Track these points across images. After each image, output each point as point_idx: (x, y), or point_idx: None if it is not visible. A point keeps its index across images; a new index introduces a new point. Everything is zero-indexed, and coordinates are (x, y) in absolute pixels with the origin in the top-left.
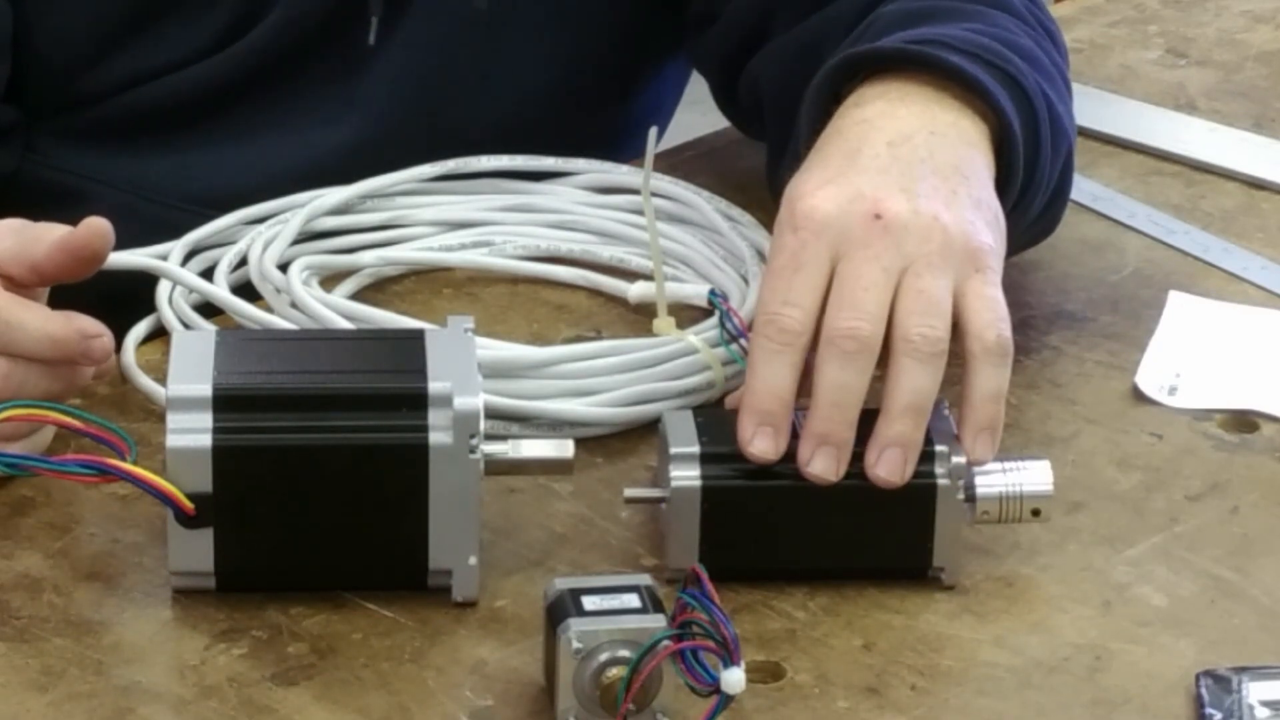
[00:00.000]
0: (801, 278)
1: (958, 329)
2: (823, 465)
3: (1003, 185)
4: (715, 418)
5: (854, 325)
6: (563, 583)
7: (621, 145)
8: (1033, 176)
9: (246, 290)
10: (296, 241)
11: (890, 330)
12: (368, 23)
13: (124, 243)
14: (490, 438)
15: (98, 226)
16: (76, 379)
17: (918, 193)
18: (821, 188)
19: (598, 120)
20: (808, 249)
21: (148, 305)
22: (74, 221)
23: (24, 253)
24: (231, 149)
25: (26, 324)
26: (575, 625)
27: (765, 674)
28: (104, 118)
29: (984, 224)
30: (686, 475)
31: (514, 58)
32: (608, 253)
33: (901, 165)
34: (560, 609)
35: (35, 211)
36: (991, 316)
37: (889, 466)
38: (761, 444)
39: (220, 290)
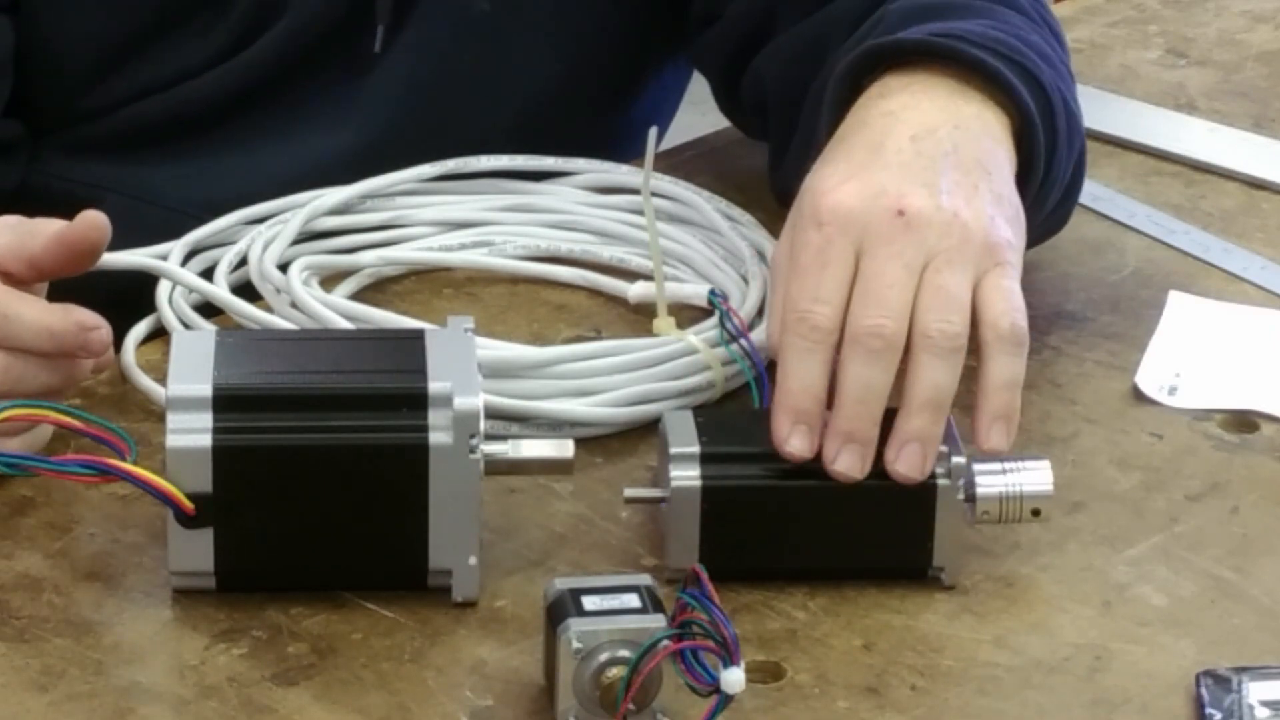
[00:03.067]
0: (829, 274)
1: (974, 320)
2: (848, 463)
3: (1023, 179)
4: (715, 418)
5: (879, 323)
6: (563, 583)
7: (624, 146)
8: (1050, 171)
9: (246, 290)
10: (296, 241)
11: (910, 326)
12: (373, 31)
13: (129, 248)
14: (490, 438)
15: (94, 219)
16: (76, 372)
17: (940, 188)
18: (845, 183)
19: (601, 121)
20: (834, 245)
21: (148, 305)
22: None
23: (21, 248)
24: (237, 156)
25: (24, 316)
26: (575, 625)
27: (765, 674)
28: (110, 130)
29: (1004, 220)
30: (686, 475)
31: (517, 60)
32: (608, 253)
33: (925, 160)
34: (560, 609)
35: (37, 216)
36: (1006, 306)
37: (909, 462)
38: (798, 442)
39: (220, 290)
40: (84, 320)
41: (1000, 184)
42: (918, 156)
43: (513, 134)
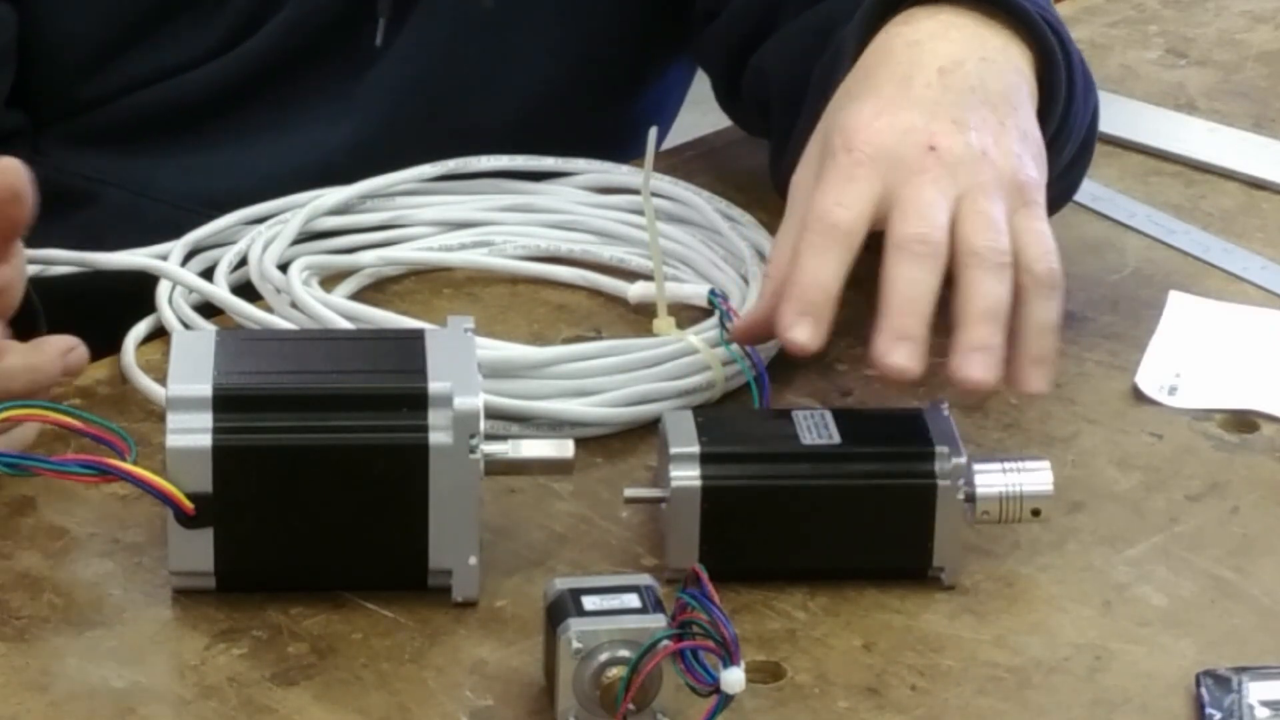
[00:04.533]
0: (854, 187)
1: None
2: (903, 356)
3: (1043, 117)
4: (715, 418)
5: (924, 231)
6: (563, 583)
7: (626, 144)
8: (1067, 118)
9: (246, 290)
10: (296, 241)
11: (954, 251)
12: (374, 24)
13: (130, 243)
14: (490, 438)
15: (4, 164)
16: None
17: (969, 124)
18: (876, 119)
19: (603, 119)
20: (862, 167)
21: (148, 305)
22: (81, 224)
23: None
24: (237, 150)
25: (10, 368)
26: (575, 625)
27: (765, 674)
28: (110, 121)
29: (1030, 158)
30: (686, 475)
31: (520, 57)
32: (608, 253)
33: (953, 95)
34: (560, 609)
35: (39, 213)
36: (1040, 250)
37: (977, 368)
38: (801, 331)
39: (220, 290)
40: (61, 345)
41: (1025, 120)
42: (945, 91)
43: (514, 131)
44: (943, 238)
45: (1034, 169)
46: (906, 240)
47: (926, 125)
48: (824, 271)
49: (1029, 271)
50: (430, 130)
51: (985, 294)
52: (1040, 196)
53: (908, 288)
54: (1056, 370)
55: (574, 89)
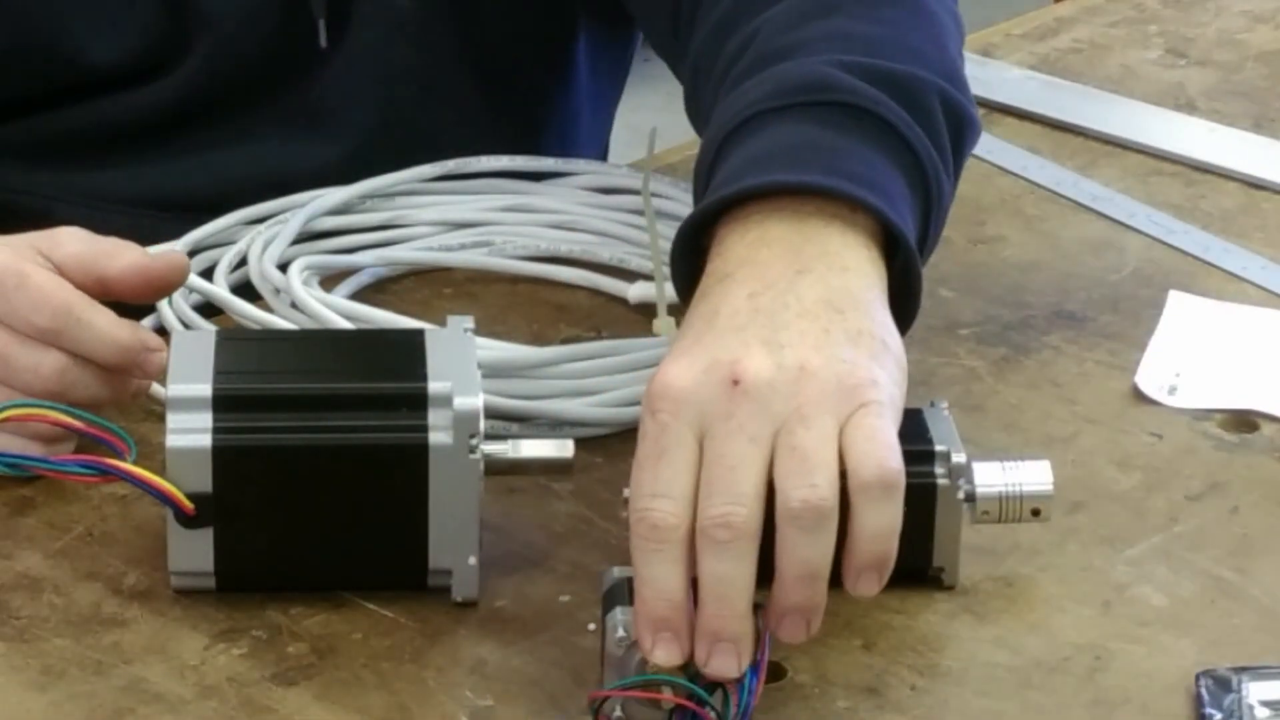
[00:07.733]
0: (666, 464)
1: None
2: (721, 663)
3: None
4: None
5: (725, 512)
6: (620, 571)
7: (569, 132)
8: (928, 226)
9: (246, 290)
10: (296, 241)
11: (774, 503)
12: (314, 27)
13: None
14: (490, 438)
15: (178, 262)
16: (125, 389)
17: (781, 343)
18: (675, 364)
19: (543, 111)
20: (668, 433)
21: (148, 305)
22: None
23: (94, 264)
24: (191, 162)
25: (95, 324)
26: (622, 614)
27: (765, 674)
28: (54, 134)
29: (866, 356)
30: None
31: (449, 54)
32: (608, 253)
33: (763, 316)
34: (614, 597)
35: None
36: (869, 447)
37: (790, 631)
38: (662, 653)
39: (220, 290)
40: (148, 340)
41: (857, 319)
42: (756, 314)
43: (468, 129)
44: (748, 511)
45: (870, 368)
46: (709, 524)
47: (730, 356)
48: (664, 581)
49: (856, 475)
50: (398, 134)
51: (800, 559)
52: (879, 395)
53: (718, 588)
54: (889, 573)
55: (507, 82)
